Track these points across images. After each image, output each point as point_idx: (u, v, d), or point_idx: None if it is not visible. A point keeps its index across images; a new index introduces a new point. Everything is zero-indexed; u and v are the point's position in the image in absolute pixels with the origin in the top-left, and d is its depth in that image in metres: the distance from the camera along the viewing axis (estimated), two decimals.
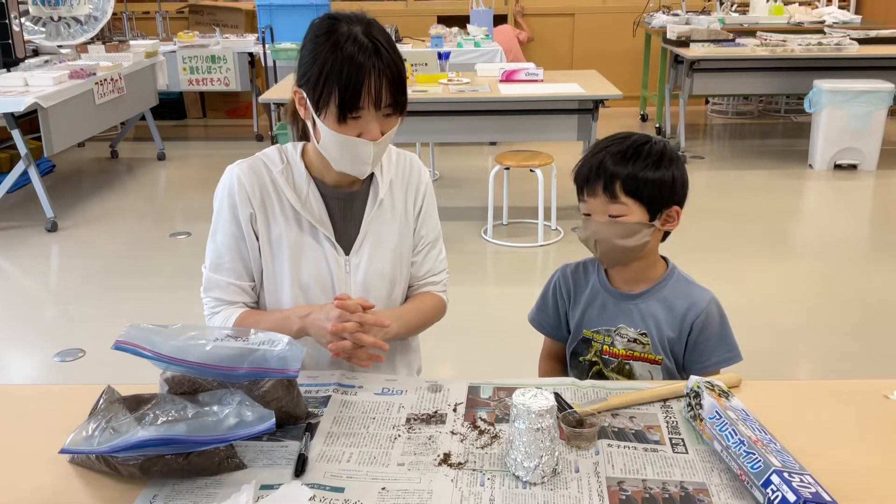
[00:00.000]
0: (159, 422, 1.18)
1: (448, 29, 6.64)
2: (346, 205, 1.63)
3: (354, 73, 1.40)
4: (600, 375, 1.68)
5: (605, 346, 1.66)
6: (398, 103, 1.48)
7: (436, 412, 1.39)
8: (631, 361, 1.65)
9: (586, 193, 1.58)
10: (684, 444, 1.29)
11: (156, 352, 1.25)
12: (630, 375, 1.65)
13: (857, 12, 7.74)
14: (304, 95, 1.49)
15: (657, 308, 1.63)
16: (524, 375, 1.79)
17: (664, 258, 1.68)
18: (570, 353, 1.75)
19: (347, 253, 1.62)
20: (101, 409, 1.25)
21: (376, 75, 1.42)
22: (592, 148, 1.62)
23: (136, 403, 1.25)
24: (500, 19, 7.64)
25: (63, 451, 1.20)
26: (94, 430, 1.19)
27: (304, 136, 1.63)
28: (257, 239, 1.60)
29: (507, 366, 2.92)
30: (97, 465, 1.22)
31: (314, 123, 1.50)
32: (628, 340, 1.64)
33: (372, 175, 1.64)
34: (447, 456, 1.26)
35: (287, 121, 1.67)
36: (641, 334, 1.63)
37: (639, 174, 1.53)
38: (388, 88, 1.44)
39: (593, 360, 1.68)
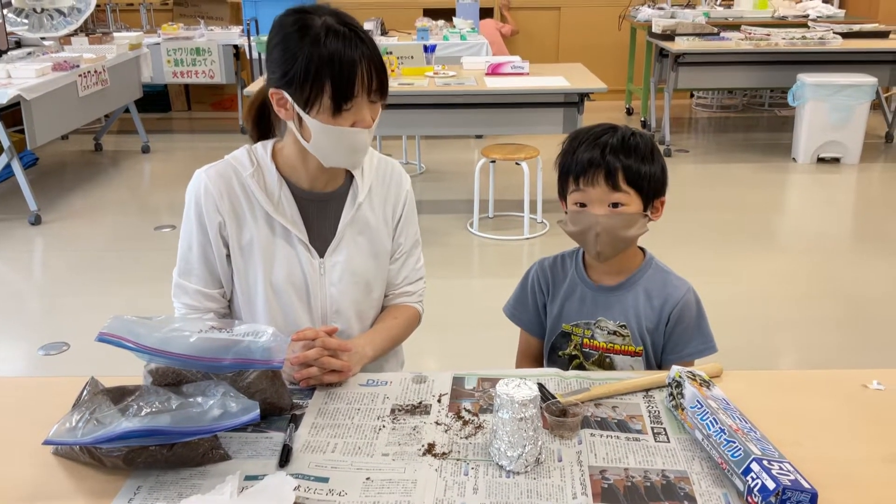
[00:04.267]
0: (143, 413, 1.18)
1: (434, 22, 6.62)
2: (321, 207, 1.60)
3: (347, 63, 1.39)
4: (580, 369, 1.67)
5: (585, 340, 1.66)
6: (383, 87, 1.47)
7: (420, 403, 1.40)
8: (612, 355, 1.65)
9: (583, 183, 1.53)
10: (666, 434, 1.30)
11: (140, 343, 1.25)
12: (611, 369, 1.65)
13: (840, 7, 7.78)
14: (286, 96, 1.45)
15: (636, 298, 1.63)
16: (508, 367, 1.81)
17: (641, 248, 1.68)
18: (548, 348, 1.74)
19: (322, 255, 1.60)
20: (84, 400, 1.25)
21: (366, 62, 1.41)
22: (575, 139, 1.59)
23: (120, 395, 1.25)
24: (486, 12, 7.63)
25: (46, 443, 1.20)
26: (78, 422, 1.19)
27: (262, 137, 1.61)
28: (227, 247, 1.57)
29: (491, 358, 2.91)
30: (81, 457, 1.21)
31: (300, 122, 1.47)
32: (608, 333, 1.64)
33: (351, 178, 1.62)
34: (431, 446, 1.27)
35: (247, 124, 1.64)
36: (621, 326, 1.63)
37: (638, 166, 1.53)
38: (376, 74, 1.43)
39: (573, 353, 1.69)
